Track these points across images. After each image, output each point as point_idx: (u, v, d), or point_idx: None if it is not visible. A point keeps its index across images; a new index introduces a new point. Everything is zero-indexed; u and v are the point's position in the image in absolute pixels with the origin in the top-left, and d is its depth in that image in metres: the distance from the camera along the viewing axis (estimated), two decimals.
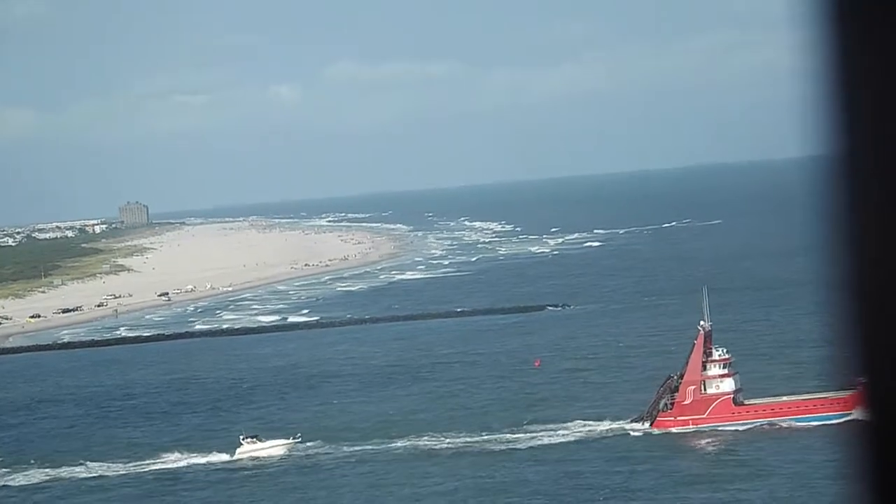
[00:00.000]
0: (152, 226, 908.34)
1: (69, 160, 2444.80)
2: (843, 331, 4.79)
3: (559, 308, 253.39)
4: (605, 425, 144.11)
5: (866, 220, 4.76)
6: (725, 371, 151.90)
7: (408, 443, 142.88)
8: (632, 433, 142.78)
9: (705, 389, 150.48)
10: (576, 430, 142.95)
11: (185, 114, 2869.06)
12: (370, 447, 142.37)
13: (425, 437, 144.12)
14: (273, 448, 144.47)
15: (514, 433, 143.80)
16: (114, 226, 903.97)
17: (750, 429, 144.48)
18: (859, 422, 4.79)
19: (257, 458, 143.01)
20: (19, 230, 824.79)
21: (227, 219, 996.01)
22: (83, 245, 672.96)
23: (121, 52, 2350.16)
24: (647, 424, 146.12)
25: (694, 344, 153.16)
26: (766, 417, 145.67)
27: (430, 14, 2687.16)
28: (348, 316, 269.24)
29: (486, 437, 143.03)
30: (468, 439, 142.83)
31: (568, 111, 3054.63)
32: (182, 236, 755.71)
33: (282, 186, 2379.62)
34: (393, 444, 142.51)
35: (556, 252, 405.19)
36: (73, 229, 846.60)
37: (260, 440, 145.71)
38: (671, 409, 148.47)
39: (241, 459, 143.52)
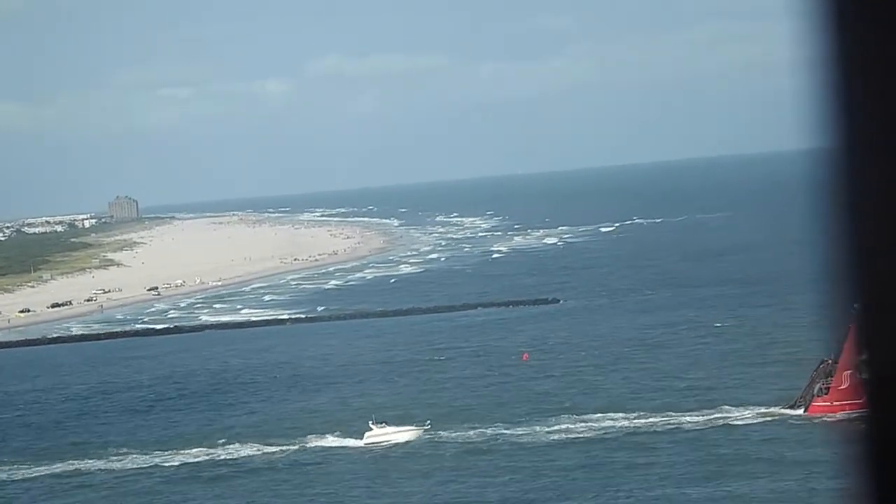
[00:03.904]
0: (142, 220, 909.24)
1: (57, 154, 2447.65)
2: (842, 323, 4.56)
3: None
4: (755, 410, 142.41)
5: (864, 212, 4.62)
6: None
7: (546, 427, 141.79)
8: (788, 419, 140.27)
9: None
10: (726, 415, 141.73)
11: (172, 107, 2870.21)
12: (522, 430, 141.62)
13: (524, 426, 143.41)
14: (401, 433, 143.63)
15: (674, 417, 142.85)
16: (103, 220, 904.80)
17: None
18: (861, 417, 4.71)
19: (387, 442, 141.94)
20: (8, 225, 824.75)
21: (216, 213, 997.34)
22: (73, 239, 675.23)
23: (105, 44, 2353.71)
24: (801, 410, 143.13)
25: (849, 327, 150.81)
26: None
27: (418, 7, 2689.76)
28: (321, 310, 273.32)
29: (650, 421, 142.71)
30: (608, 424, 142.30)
31: (558, 105, 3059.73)
32: (172, 231, 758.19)
33: (270, 181, 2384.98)
34: (535, 428, 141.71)
35: (513, 251, 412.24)
36: (62, 224, 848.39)
37: (388, 425, 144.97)
38: (826, 393, 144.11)
39: (372, 444, 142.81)
